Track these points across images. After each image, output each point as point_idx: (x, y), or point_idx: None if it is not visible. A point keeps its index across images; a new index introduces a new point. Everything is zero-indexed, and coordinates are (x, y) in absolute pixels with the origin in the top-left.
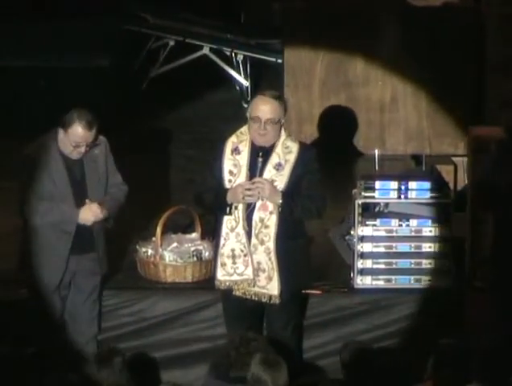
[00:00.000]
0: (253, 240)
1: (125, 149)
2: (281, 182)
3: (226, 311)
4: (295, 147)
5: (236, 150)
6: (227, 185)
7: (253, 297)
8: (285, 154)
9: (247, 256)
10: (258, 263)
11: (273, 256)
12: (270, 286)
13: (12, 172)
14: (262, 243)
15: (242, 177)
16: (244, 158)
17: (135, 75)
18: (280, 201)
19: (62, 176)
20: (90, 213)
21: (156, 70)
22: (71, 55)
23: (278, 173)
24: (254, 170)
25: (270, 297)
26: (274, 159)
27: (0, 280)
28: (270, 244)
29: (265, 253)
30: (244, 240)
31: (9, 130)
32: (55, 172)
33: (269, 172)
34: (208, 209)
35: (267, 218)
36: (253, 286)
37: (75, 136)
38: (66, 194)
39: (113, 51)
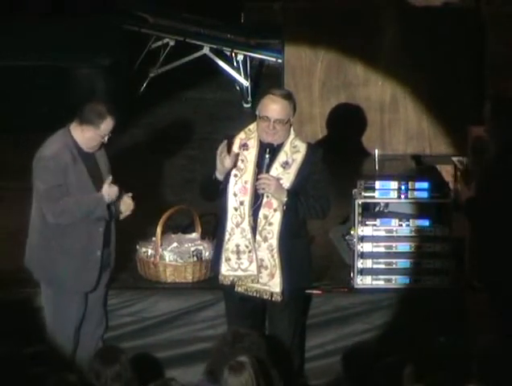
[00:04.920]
0: (257, 237)
1: (126, 149)
2: (287, 181)
3: (229, 310)
4: (303, 147)
5: (244, 146)
6: (232, 180)
7: (254, 295)
8: (292, 153)
9: (252, 252)
10: (261, 260)
11: (276, 253)
12: (272, 283)
13: (21, 173)
14: (265, 240)
15: (249, 173)
16: (252, 154)
17: (135, 75)
18: (285, 199)
19: (84, 174)
20: (111, 190)
21: (156, 70)
22: (71, 55)
23: (285, 171)
24: (262, 166)
25: (272, 294)
26: (281, 157)
27: (0, 280)
28: (274, 242)
29: (268, 250)
30: (249, 235)
31: (9, 130)
32: (78, 170)
33: (276, 170)
34: (209, 194)
35: (271, 215)
36: (256, 283)
37: (108, 127)
38: (90, 191)
39: (113, 51)
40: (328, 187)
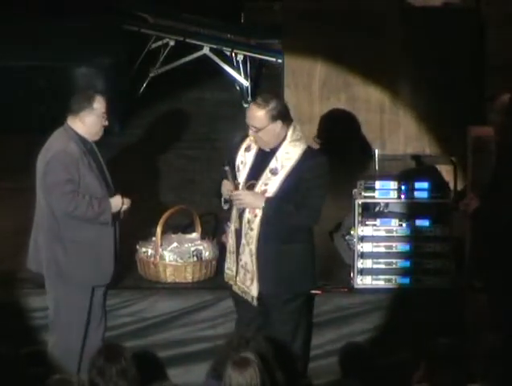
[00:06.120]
0: (243, 240)
1: (126, 149)
2: (272, 187)
3: (237, 307)
4: (296, 153)
5: (248, 148)
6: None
7: (242, 295)
8: (283, 160)
9: (234, 254)
10: (245, 263)
11: (254, 258)
12: (252, 287)
13: (17, 174)
14: (248, 244)
15: (243, 175)
16: (250, 156)
17: (135, 75)
18: (262, 205)
19: (92, 166)
20: (120, 202)
21: (156, 70)
22: (71, 55)
23: (273, 177)
24: (254, 171)
25: (252, 297)
26: (272, 163)
27: (0, 280)
28: (253, 247)
29: (249, 255)
30: (234, 237)
31: (8, 131)
32: (87, 163)
33: (266, 175)
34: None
35: (253, 221)
36: (242, 284)
37: (101, 104)
38: (100, 182)
39: (113, 51)
40: (318, 196)
